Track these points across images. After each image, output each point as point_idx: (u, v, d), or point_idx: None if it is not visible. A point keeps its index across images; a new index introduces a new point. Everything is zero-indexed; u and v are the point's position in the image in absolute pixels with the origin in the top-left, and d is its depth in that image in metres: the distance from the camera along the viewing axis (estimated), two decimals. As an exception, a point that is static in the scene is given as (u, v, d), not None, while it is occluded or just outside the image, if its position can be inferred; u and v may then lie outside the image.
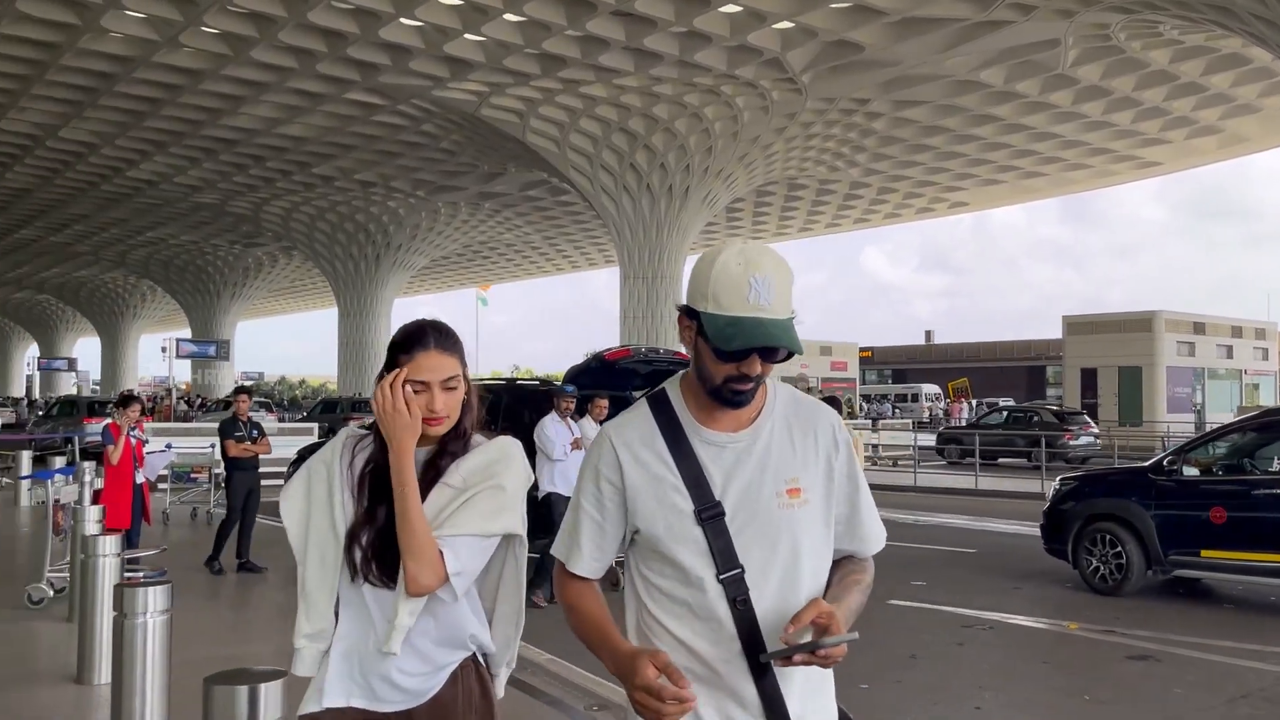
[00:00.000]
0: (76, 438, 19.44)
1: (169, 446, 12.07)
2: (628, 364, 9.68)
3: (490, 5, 20.09)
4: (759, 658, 1.75)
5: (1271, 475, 8.89)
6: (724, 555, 1.79)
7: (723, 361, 1.76)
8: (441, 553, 1.94)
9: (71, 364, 71.06)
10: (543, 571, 8.37)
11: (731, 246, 1.78)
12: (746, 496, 1.81)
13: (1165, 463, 9.24)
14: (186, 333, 51.95)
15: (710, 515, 1.79)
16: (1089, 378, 35.48)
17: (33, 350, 79.95)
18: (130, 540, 8.88)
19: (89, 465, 9.90)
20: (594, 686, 5.53)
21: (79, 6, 19.94)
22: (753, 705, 1.80)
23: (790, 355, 1.77)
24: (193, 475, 14.14)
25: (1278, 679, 6.45)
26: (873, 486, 9.33)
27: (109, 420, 9.48)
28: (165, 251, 48.05)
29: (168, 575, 5.11)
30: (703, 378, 1.83)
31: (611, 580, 3.35)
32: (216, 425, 11.24)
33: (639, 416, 1.90)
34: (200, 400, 43.69)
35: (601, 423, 8.89)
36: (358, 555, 2.00)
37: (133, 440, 9.18)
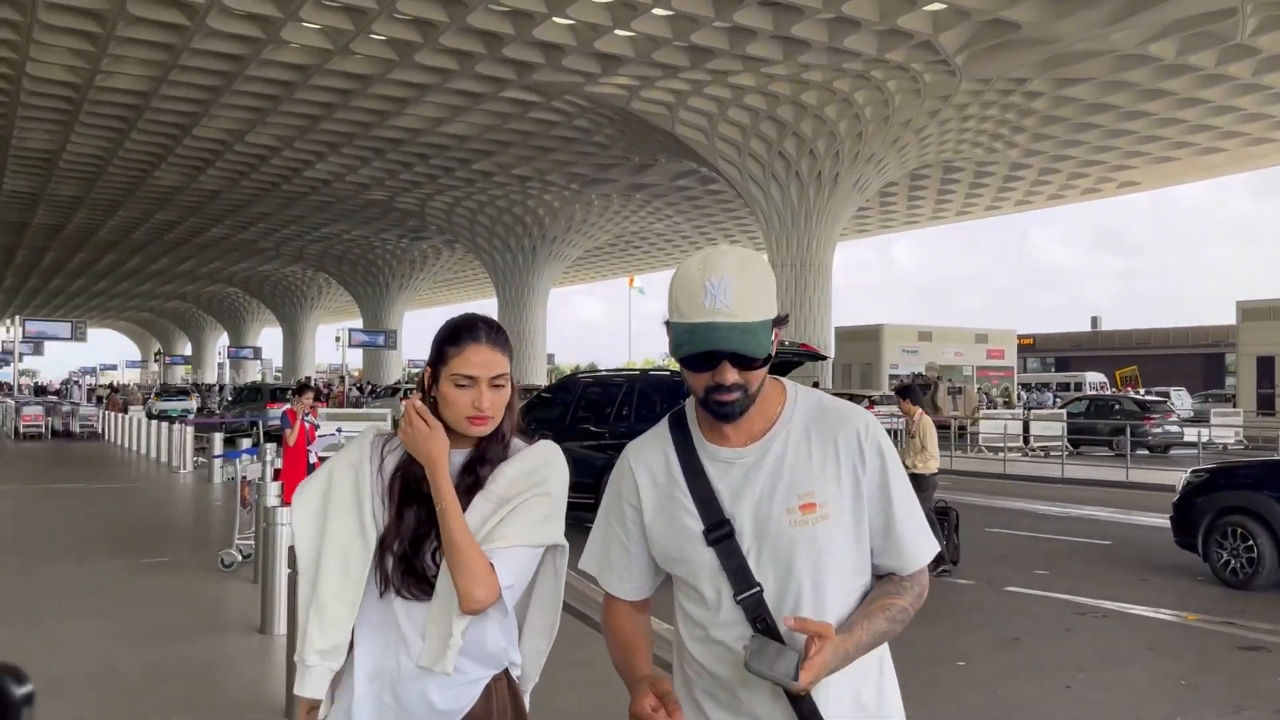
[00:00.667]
0: (260, 421, 21.07)
1: (339, 430, 13.00)
2: None
3: (640, 1, 20.55)
4: (746, 664, 1.62)
5: None
6: (737, 576, 1.70)
7: (694, 371, 1.70)
8: (492, 566, 1.83)
9: (257, 352, 76.26)
10: None
11: (701, 252, 1.71)
12: (757, 514, 1.71)
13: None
14: (358, 323, 55.00)
15: (718, 536, 1.72)
16: (1266, 366, 33.24)
17: (223, 339, 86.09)
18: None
19: (270, 446, 10.89)
20: None
21: (262, 21, 21.50)
22: None
23: (765, 361, 1.69)
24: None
25: None
26: (1018, 478, 9.44)
27: (287, 406, 10.39)
28: (339, 246, 50.96)
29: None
30: (693, 392, 1.75)
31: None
32: (389, 413, 11.88)
33: (657, 436, 1.85)
34: (370, 386, 46.20)
35: None
36: (389, 565, 1.88)
37: (307, 424, 10.05)
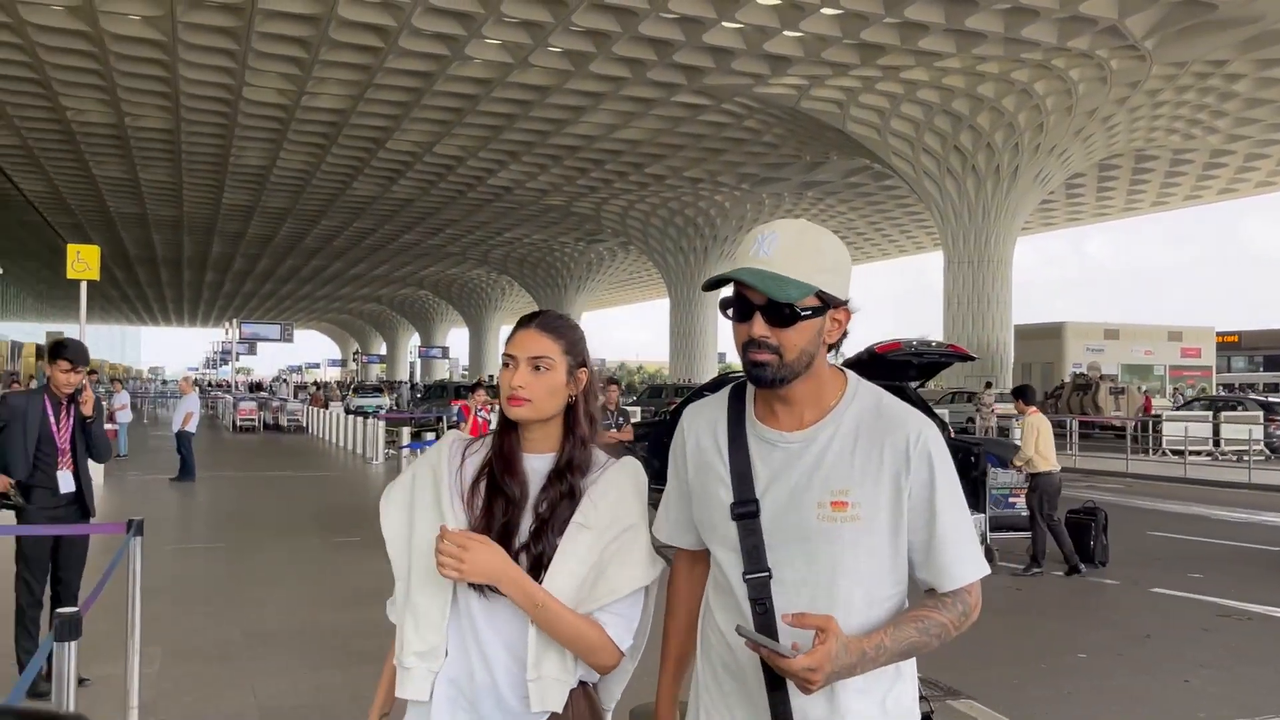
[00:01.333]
0: (445, 416, 22.41)
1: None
2: (898, 356, 9.86)
3: (807, 2, 20.63)
4: (736, 628, 1.65)
5: None
6: (751, 556, 1.71)
7: (735, 324, 1.72)
8: (606, 627, 1.79)
9: (445, 352, 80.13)
10: None
11: None
12: (789, 501, 1.70)
13: None
14: (538, 323, 56.86)
15: (743, 513, 1.72)
16: None
17: (415, 339, 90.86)
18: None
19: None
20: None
21: (448, 39, 22.84)
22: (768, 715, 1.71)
23: (790, 310, 1.67)
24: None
25: None
26: (1201, 482, 9.24)
27: (462, 402, 11.20)
28: (520, 249, 53.02)
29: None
30: (737, 351, 1.76)
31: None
32: None
33: (715, 403, 1.86)
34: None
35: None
36: None
37: (479, 419, 10.82)
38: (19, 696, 3.01)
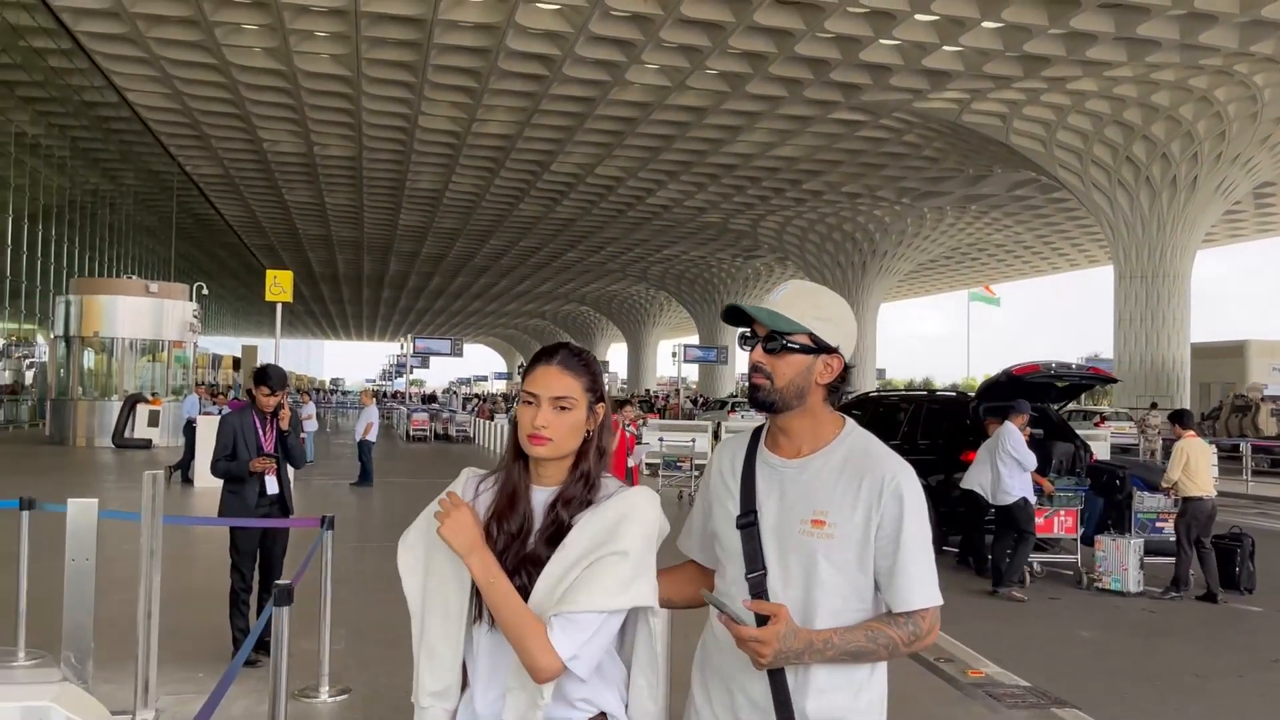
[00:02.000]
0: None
1: (661, 440, 14.13)
2: (1036, 379, 9.74)
3: (967, 16, 20.40)
4: (701, 592, 1.99)
5: None
6: (750, 558, 1.98)
7: (746, 351, 2.04)
8: (550, 629, 1.76)
9: (604, 366, 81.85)
10: (1013, 568, 8.94)
11: None
12: (781, 516, 1.97)
13: None
14: (694, 339, 57.56)
15: (745, 523, 2.00)
16: None
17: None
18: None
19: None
20: (961, 655, 6.32)
21: (609, 65, 23.69)
22: (762, 702, 1.94)
23: (782, 343, 1.95)
24: (679, 464, 16.36)
25: None
26: None
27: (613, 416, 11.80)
28: (678, 266, 53.80)
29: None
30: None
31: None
32: (710, 424, 12.47)
33: (743, 435, 2.15)
34: (703, 399, 48.21)
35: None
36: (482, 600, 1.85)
37: (627, 434, 11.32)
38: (237, 666, 3.62)
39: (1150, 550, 9.24)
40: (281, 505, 6.14)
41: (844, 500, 1.93)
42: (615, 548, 1.80)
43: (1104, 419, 23.79)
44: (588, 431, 1.92)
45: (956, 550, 10.54)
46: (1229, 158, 25.79)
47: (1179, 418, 9.53)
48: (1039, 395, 9.98)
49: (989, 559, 9.49)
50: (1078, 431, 11.25)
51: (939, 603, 1.95)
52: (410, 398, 55.08)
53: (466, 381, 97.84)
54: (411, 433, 33.74)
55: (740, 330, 2.05)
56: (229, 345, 76.14)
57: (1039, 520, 9.29)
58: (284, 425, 6.11)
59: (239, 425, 6.04)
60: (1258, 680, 6.47)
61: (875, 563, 1.92)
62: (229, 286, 67.87)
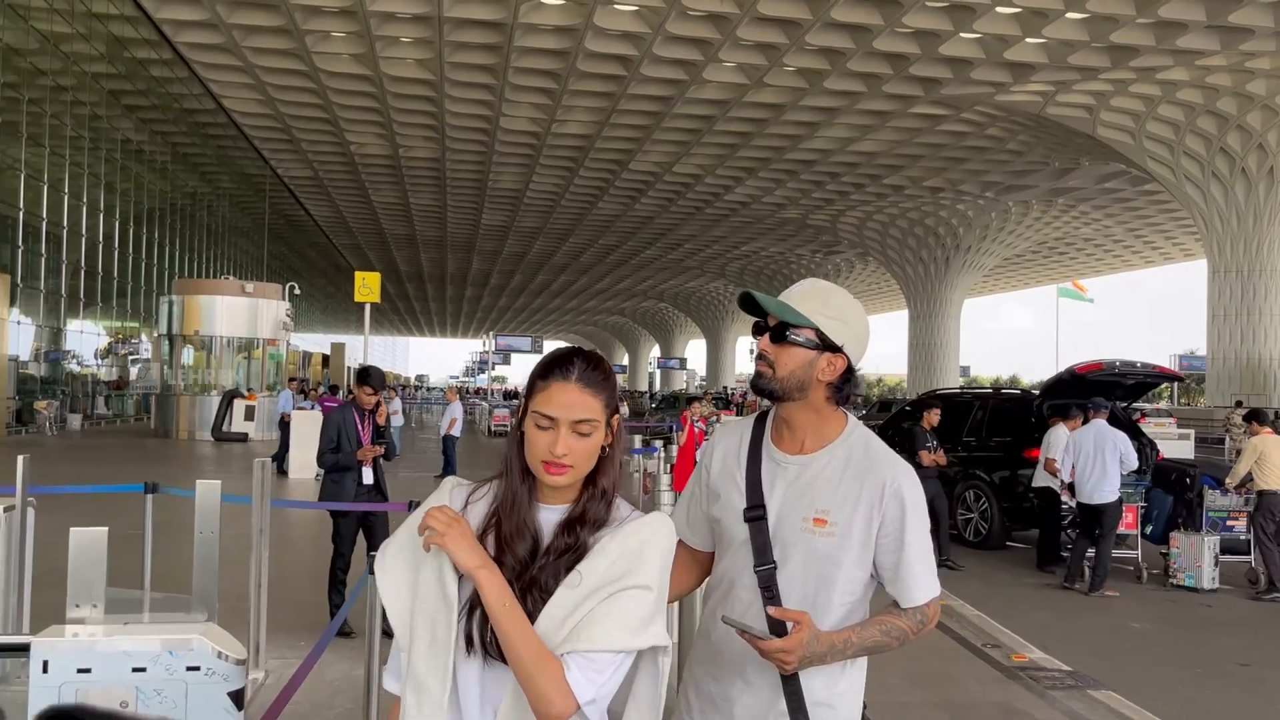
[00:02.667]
0: (675, 426, 23.47)
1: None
2: (1099, 377, 9.66)
3: (1050, 8, 20.10)
4: (721, 618, 1.97)
5: None
6: (760, 552, 1.99)
7: (754, 338, 2.09)
8: (568, 669, 1.55)
9: (682, 363, 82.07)
10: (1100, 567, 8.89)
11: None
12: (785, 511, 2.00)
13: None
14: (774, 335, 57.27)
15: (753, 516, 2.01)
16: None
17: (655, 350, 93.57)
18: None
19: (670, 447, 12.65)
20: (1009, 641, 6.47)
21: (686, 64, 23.90)
22: (763, 691, 1.98)
23: (782, 330, 2.00)
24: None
25: None
26: None
27: (683, 412, 12.05)
28: (756, 262, 53.75)
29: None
30: None
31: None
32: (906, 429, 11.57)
33: (744, 423, 2.15)
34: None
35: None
36: (476, 623, 1.61)
37: (696, 429, 11.59)
38: (330, 635, 3.96)
39: (1221, 549, 9.17)
40: (379, 491, 6.61)
41: (846, 501, 1.97)
42: (637, 580, 1.61)
43: (1144, 416, 22.98)
44: (604, 449, 1.70)
45: (1035, 548, 10.48)
46: (1330, 147, 24.91)
47: (1255, 415, 9.50)
48: (1104, 394, 9.94)
49: (1064, 555, 9.53)
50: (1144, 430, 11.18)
51: (938, 592, 2.05)
52: (492, 394, 56.09)
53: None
54: (493, 428, 34.43)
55: (755, 320, 2.10)
56: (318, 342, 78.38)
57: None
58: (380, 421, 6.65)
59: (341, 421, 6.55)
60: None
61: (877, 558, 1.98)
62: (318, 285, 69.88)
